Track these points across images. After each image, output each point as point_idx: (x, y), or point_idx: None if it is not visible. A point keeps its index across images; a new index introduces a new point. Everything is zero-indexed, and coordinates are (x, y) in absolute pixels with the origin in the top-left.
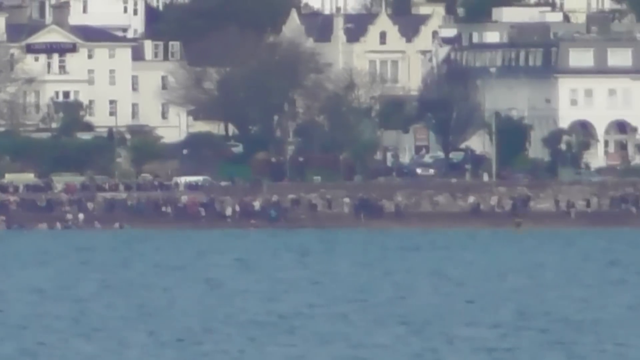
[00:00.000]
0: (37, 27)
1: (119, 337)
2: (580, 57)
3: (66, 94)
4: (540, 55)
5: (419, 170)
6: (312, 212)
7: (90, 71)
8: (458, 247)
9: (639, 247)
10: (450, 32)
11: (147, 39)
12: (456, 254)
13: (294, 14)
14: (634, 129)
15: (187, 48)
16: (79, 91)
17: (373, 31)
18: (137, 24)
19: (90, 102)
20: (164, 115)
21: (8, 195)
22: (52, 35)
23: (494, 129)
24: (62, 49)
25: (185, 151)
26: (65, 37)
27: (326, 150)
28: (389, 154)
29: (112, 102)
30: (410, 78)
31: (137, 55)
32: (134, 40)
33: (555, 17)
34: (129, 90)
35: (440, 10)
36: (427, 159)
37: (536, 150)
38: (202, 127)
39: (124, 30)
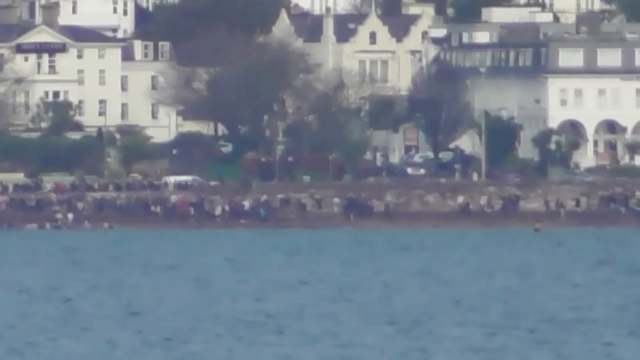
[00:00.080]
0: (26, 27)
1: (107, 336)
2: (570, 57)
3: (56, 94)
4: (529, 55)
5: (409, 170)
6: (302, 212)
7: (80, 71)
8: (447, 247)
9: (628, 247)
10: (440, 32)
11: (136, 39)
12: (445, 254)
13: (283, 15)
14: (624, 129)
15: (177, 48)
16: (69, 91)
17: (363, 31)
18: (126, 24)
19: (80, 102)
20: (153, 115)
21: None
22: (41, 35)
23: (483, 129)
24: (52, 49)
25: (174, 151)
26: (55, 37)
27: (316, 150)
28: (378, 154)
29: (101, 102)
30: (400, 78)
31: (127, 56)
32: (123, 40)
33: (545, 17)
34: (118, 90)
35: (429, 10)
36: (417, 158)
37: (526, 150)
38: (191, 127)
39: (114, 30)
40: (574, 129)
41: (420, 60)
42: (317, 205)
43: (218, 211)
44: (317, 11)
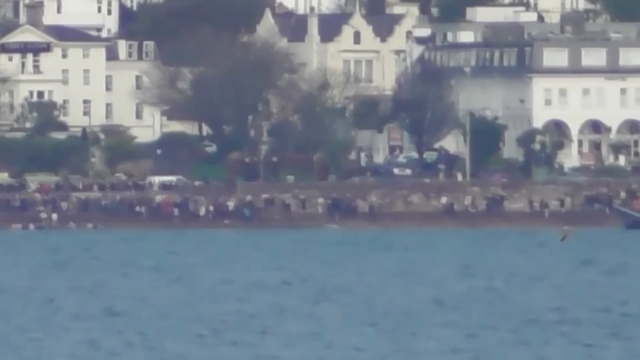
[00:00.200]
0: (11, 26)
1: (89, 337)
2: (555, 57)
3: (40, 94)
4: (514, 55)
5: (396, 171)
6: (286, 212)
7: (65, 71)
8: (431, 247)
9: (611, 247)
10: (424, 31)
11: (121, 39)
12: (429, 254)
13: (268, 14)
14: (608, 129)
15: (161, 48)
16: (53, 91)
17: (347, 31)
18: (111, 23)
19: (65, 101)
20: (138, 115)
21: None
22: (26, 35)
23: (468, 129)
24: (36, 49)
25: (159, 151)
26: (39, 37)
27: (300, 150)
28: (363, 154)
29: (86, 101)
30: (385, 78)
31: (111, 55)
32: (108, 40)
33: (530, 17)
34: (103, 90)
35: (414, 10)
36: (401, 159)
37: (510, 150)
38: (176, 127)
39: (98, 30)
40: (558, 128)
41: (404, 60)
42: (302, 206)
43: (202, 211)
44: (301, 10)
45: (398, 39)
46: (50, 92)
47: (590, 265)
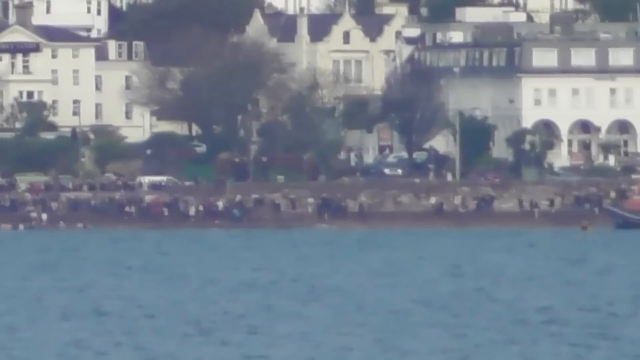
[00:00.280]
0: (0, 27)
1: (76, 337)
2: (544, 57)
3: (30, 94)
4: (503, 55)
5: (387, 171)
6: (276, 212)
7: (54, 71)
8: (420, 247)
9: (601, 247)
10: (413, 32)
11: (110, 39)
12: (418, 254)
13: (257, 14)
14: (598, 129)
15: (151, 48)
16: (43, 91)
17: (337, 31)
18: (100, 24)
19: (54, 102)
20: (127, 115)
21: None
22: (15, 35)
23: (457, 129)
24: (26, 49)
25: (148, 151)
26: (29, 37)
27: (290, 150)
28: (352, 154)
29: (75, 102)
30: (374, 78)
31: (101, 55)
32: (97, 40)
33: (519, 17)
34: (92, 90)
35: (403, 10)
36: (391, 159)
37: (500, 150)
38: (165, 127)
39: (88, 30)
40: (548, 128)
41: (394, 60)
42: (292, 206)
43: (192, 211)
44: (290, 11)
45: (387, 39)
46: (39, 92)
47: (579, 265)
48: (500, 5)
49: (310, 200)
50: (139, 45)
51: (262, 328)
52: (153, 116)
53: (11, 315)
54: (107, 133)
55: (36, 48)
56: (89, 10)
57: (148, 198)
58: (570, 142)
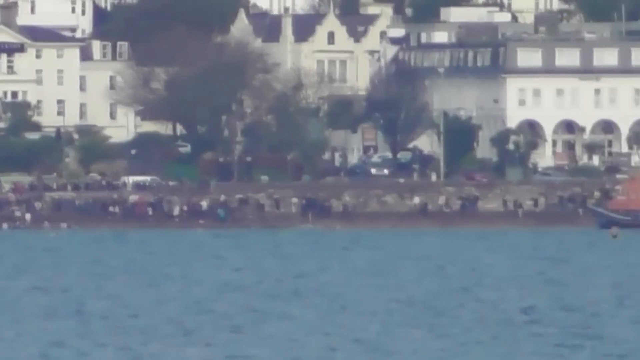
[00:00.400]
0: None
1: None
2: (528, 57)
3: (14, 94)
4: (488, 55)
5: (373, 171)
6: (260, 212)
7: (39, 71)
8: (404, 247)
9: (585, 247)
10: (398, 32)
11: (95, 39)
12: (402, 254)
13: (242, 14)
14: (582, 129)
15: (135, 48)
16: (27, 91)
17: (321, 31)
18: (85, 24)
19: (39, 102)
20: (112, 115)
21: None
22: (0, 35)
23: (442, 129)
24: (10, 49)
25: (133, 151)
26: (13, 37)
27: (274, 150)
28: (337, 154)
29: (60, 102)
30: (359, 78)
31: (85, 56)
32: (82, 40)
33: (503, 17)
34: (77, 90)
35: (388, 10)
36: (375, 159)
37: (484, 150)
38: (150, 127)
39: (72, 30)
40: (532, 129)
41: (378, 60)
42: (276, 205)
43: (176, 211)
44: (275, 11)
45: (372, 39)
46: (24, 92)
47: (563, 264)
48: (485, 5)
49: (295, 200)
50: (123, 46)
51: (246, 328)
52: (137, 116)
53: None
54: (91, 133)
55: (21, 48)
56: (73, 11)
57: (132, 198)
58: (554, 142)
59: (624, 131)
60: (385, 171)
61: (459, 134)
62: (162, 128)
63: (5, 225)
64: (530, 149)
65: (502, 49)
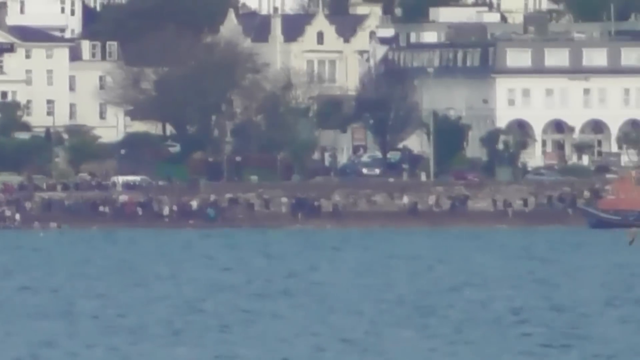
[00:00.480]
0: None
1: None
2: (518, 57)
3: (4, 94)
4: (477, 55)
5: (365, 171)
6: (250, 212)
7: (28, 71)
8: (394, 247)
9: (575, 247)
10: (387, 32)
11: (84, 39)
12: (391, 254)
13: (231, 14)
14: (571, 129)
15: (125, 48)
16: (17, 91)
17: (310, 31)
18: (74, 24)
19: (28, 102)
20: (101, 115)
21: None
22: None
23: (431, 129)
24: (0, 49)
25: (122, 151)
26: (3, 38)
27: (264, 150)
28: (326, 154)
29: (49, 102)
30: (348, 78)
31: (75, 56)
32: (71, 40)
33: (493, 17)
34: (66, 90)
35: (377, 10)
36: (365, 158)
37: (474, 149)
38: (139, 127)
39: (62, 30)
40: (521, 128)
41: (368, 60)
42: (265, 205)
43: (166, 211)
44: (264, 11)
45: (361, 39)
46: (13, 92)
47: (553, 264)
48: (474, 5)
49: (284, 199)
50: (112, 46)
51: (236, 328)
52: (127, 116)
53: None
54: (81, 133)
55: (10, 48)
56: (62, 11)
57: (122, 198)
58: (544, 142)
59: (614, 131)
60: (376, 171)
61: (449, 134)
62: (151, 128)
63: None
64: (519, 149)
65: (491, 49)
